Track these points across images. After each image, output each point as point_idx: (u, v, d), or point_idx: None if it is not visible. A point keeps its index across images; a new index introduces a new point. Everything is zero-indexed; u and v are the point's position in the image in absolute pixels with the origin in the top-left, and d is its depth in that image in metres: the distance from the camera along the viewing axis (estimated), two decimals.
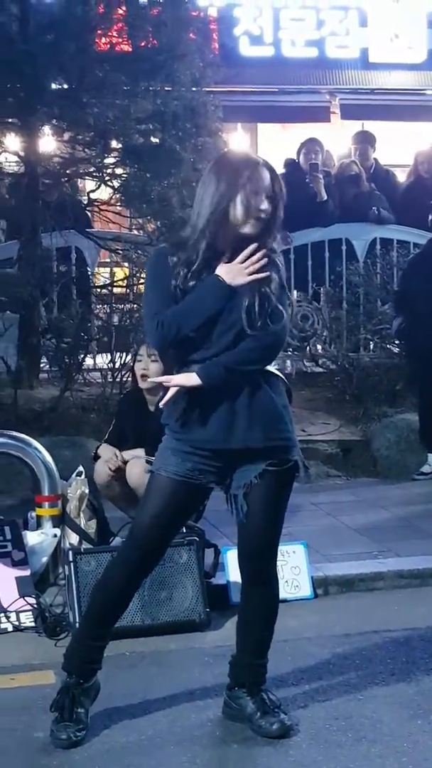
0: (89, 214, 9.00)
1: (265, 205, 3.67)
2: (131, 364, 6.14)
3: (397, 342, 8.85)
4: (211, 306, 3.65)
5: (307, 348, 9.37)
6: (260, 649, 3.95)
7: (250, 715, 3.88)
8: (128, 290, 8.82)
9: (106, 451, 5.70)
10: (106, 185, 8.39)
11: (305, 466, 3.84)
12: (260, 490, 3.74)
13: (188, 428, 3.70)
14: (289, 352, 9.25)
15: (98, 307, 8.83)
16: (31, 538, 5.26)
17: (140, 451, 5.52)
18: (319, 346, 9.57)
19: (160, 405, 3.79)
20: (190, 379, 3.67)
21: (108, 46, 8.24)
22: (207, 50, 8.56)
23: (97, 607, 3.92)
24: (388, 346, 9.21)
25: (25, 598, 4.98)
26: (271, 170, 3.75)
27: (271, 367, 3.82)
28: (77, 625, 4.41)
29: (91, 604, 4.01)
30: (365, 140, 10.89)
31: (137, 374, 5.74)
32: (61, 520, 5.34)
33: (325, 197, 9.93)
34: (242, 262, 3.67)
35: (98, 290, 8.94)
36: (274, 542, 3.86)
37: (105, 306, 8.77)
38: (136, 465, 5.45)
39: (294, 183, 9.84)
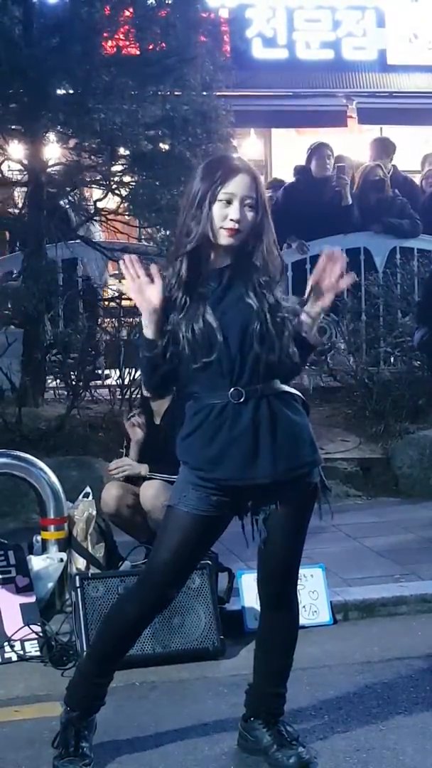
0: (96, 224, 8.86)
1: (237, 214, 3.51)
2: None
3: (419, 355, 8.67)
4: (143, 360, 3.58)
5: (326, 362, 9.21)
6: (279, 677, 3.85)
7: (267, 748, 3.78)
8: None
9: (112, 488, 5.52)
10: (114, 194, 8.34)
11: (326, 487, 3.73)
12: (281, 514, 3.63)
13: (211, 466, 3.55)
14: (306, 367, 9.03)
15: (106, 320, 8.73)
16: (36, 563, 5.17)
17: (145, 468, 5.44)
18: (337, 360, 9.42)
19: None
20: None
21: (115, 49, 8.17)
22: (218, 53, 8.49)
23: (106, 644, 3.81)
24: (409, 359, 9.05)
25: (30, 626, 4.88)
26: (254, 176, 3.59)
27: (285, 387, 3.66)
28: (84, 656, 4.27)
29: (98, 640, 3.88)
30: (383, 149, 10.64)
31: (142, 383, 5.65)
32: (68, 544, 5.24)
33: (350, 201, 9.84)
34: None
35: (106, 303, 8.77)
36: (295, 565, 3.76)
37: (113, 319, 8.59)
38: (150, 486, 5.31)
39: (306, 190, 9.71)
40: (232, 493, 3.60)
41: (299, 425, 3.62)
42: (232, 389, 3.52)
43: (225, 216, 3.50)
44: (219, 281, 3.56)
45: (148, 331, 3.48)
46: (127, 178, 8.23)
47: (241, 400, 3.52)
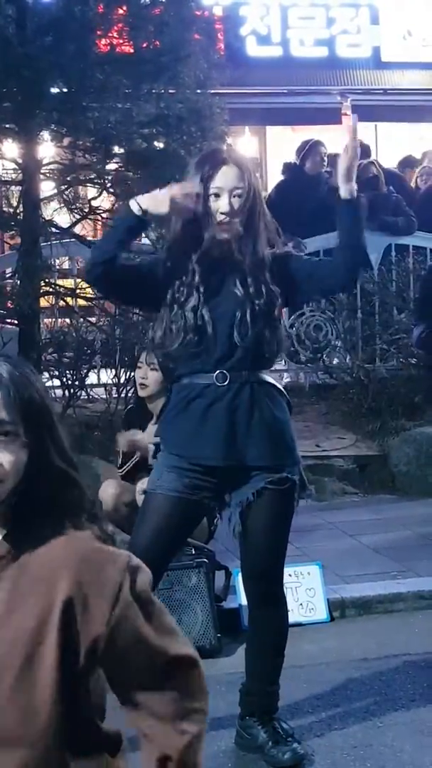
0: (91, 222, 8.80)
1: (226, 207, 3.57)
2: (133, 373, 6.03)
3: (416, 352, 8.63)
4: (117, 226, 3.64)
5: (321, 359, 9.15)
6: (271, 675, 3.86)
7: (262, 745, 3.82)
8: None
9: (109, 487, 5.50)
10: (108, 192, 8.20)
11: (304, 485, 3.76)
12: (260, 509, 3.66)
13: (187, 444, 3.61)
14: (302, 364, 9.02)
15: (101, 319, 8.63)
16: None
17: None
18: (333, 358, 9.39)
19: None
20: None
21: (108, 47, 8.03)
22: (212, 51, 8.37)
23: None
24: (405, 356, 9.04)
25: None
26: (241, 166, 3.65)
27: (272, 380, 3.74)
28: None
29: None
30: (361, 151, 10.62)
31: (137, 382, 5.63)
32: None
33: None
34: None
35: (101, 302, 8.70)
36: (278, 563, 3.77)
37: (108, 318, 8.53)
38: (146, 484, 5.21)
39: (299, 187, 9.66)
40: (206, 475, 3.63)
41: (278, 419, 3.68)
42: (217, 372, 3.59)
43: (216, 210, 3.56)
44: (214, 273, 3.62)
45: (144, 202, 3.52)
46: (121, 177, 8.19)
47: (225, 382, 3.59)
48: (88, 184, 8.52)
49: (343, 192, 3.67)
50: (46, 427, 1.93)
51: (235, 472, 3.64)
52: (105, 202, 8.45)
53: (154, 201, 3.52)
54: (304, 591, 5.23)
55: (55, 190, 8.26)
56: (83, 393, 8.26)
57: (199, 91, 7.91)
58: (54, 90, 7.80)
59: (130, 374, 7.82)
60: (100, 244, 3.73)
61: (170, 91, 7.84)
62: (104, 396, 8.20)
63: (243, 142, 12.31)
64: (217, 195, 3.58)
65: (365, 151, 10.59)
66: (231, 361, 3.61)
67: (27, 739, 1.80)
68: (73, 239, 8.31)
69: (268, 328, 3.63)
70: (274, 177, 11.72)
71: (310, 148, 10.04)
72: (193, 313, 3.58)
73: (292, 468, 3.69)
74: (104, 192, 8.26)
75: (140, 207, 3.52)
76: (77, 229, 8.38)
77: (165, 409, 5.23)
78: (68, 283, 8.93)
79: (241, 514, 3.67)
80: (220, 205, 3.58)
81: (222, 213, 3.58)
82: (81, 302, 8.73)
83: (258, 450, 3.61)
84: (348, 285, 3.99)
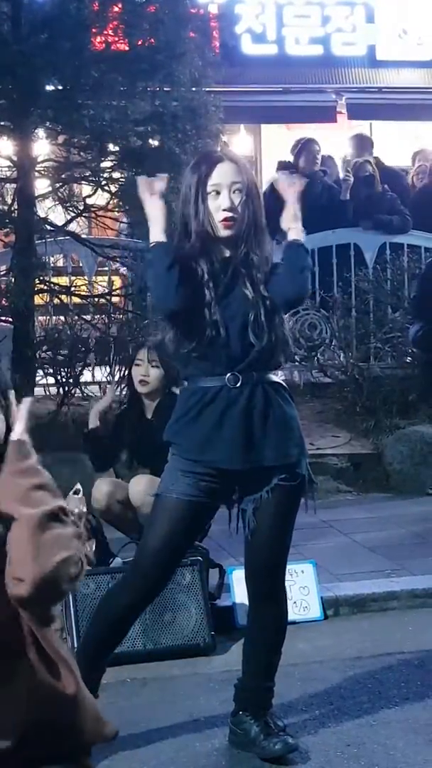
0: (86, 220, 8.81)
1: (228, 203, 3.58)
2: (127, 371, 5.99)
3: (413, 350, 8.66)
4: (160, 267, 3.56)
5: (316, 358, 9.17)
6: (267, 671, 3.86)
7: (254, 739, 3.79)
8: (127, 299, 8.64)
9: (103, 485, 5.49)
10: (103, 190, 8.22)
11: (312, 480, 3.77)
12: (269, 506, 3.67)
13: (203, 449, 3.60)
14: (297, 362, 9.02)
15: (96, 317, 8.62)
16: None
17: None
18: (328, 356, 9.38)
19: None
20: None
21: (104, 45, 8.05)
22: (207, 49, 8.38)
23: (97, 635, 3.84)
24: (399, 355, 9.05)
25: None
26: (237, 162, 3.67)
27: (276, 378, 3.75)
28: (75, 651, 4.26)
29: (90, 632, 3.91)
30: (363, 145, 10.61)
31: (135, 379, 5.56)
32: None
33: (348, 197, 9.80)
34: None
35: (96, 299, 8.70)
36: (282, 559, 3.78)
37: (103, 316, 8.52)
38: (139, 482, 5.26)
39: None
40: (221, 478, 3.63)
41: (290, 416, 3.68)
42: (229, 374, 3.58)
43: (218, 207, 3.56)
44: (222, 273, 3.61)
45: (156, 232, 3.57)
46: (116, 174, 8.15)
47: (237, 384, 3.58)
48: (82, 182, 8.51)
49: (294, 234, 3.73)
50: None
51: (250, 474, 3.65)
52: (100, 199, 8.47)
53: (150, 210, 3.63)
54: (298, 589, 5.21)
55: (50, 188, 8.25)
56: (78, 391, 8.24)
57: (194, 89, 7.92)
58: (49, 88, 7.81)
59: (125, 372, 7.82)
60: (162, 293, 3.61)
61: (165, 89, 7.85)
62: (99, 394, 8.13)
63: (238, 141, 12.30)
64: (216, 192, 3.58)
65: (367, 145, 10.60)
66: (243, 363, 3.60)
67: None
68: (67, 237, 8.31)
69: (280, 327, 3.65)
70: (269, 175, 11.72)
71: (302, 146, 10.03)
72: (208, 310, 3.57)
73: (301, 463, 3.71)
74: (99, 190, 8.25)
75: (156, 237, 3.59)
76: (72, 227, 8.37)
77: (161, 406, 5.28)
78: (63, 280, 8.95)
79: (254, 511, 3.68)
80: (221, 202, 3.58)
81: (224, 209, 3.57)
82: (75, 300, 8.76)
83: (275, 451, 3.62)
84: (293, 304, 3.93)
